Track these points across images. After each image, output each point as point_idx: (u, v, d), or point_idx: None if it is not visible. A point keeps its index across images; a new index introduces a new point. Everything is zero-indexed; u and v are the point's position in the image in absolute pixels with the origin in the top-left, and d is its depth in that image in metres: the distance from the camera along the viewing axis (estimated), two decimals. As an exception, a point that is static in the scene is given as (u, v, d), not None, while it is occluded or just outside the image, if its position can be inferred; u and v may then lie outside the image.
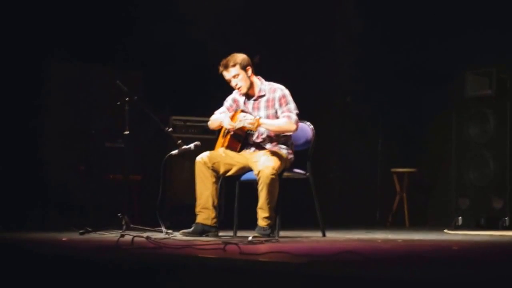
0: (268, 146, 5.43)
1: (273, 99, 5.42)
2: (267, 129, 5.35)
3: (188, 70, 7.91)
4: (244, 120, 5.20)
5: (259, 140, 5.45)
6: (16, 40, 7.11)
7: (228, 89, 5.60)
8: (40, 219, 6.78)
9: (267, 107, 5.44)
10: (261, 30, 8.19)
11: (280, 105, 5.38)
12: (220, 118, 5.51)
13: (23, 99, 7.12)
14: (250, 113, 5.40)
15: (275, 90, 5.44)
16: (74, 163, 7.37)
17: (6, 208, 6.75)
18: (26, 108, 7.13)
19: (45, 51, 7.21)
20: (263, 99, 5.46)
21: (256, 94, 5.49)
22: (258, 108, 5.46)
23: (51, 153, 7.36)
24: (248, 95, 5.53)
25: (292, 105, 5.37)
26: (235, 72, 5.42)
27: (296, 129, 5.34)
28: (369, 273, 2.59)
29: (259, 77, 5.54)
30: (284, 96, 5.40)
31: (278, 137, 5.45)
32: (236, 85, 5.46)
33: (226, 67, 5.42)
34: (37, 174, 7.16)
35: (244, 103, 5.54)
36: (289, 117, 5.31)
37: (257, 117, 5.19)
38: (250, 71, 5.46)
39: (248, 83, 5.45)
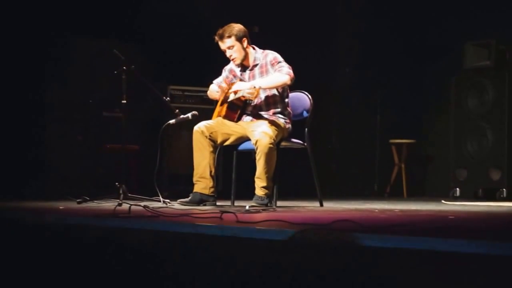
0: (266, 115, 5.42)
1: (266, 64, 5.40)
2: (265, 88, 5.32)
3: (186, 40, 7.87)
4: (243, 90, 5.20)
5: (257, 103, 5.41)
6: (17, 13, 7.09)
7: (226, 59, 5.58)
8: (38, 189, 6.78)
9: (261, 73, 5.41)
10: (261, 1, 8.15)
11: (272, 65, 5.36)
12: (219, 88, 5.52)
13: (22, 71, 7.10)
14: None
15: (267, 55, 5.43)
16: (72, 133, 7.37)
17: (4, 178, 6.75)
18: (25, 79, 7.11)
19: (46, 24, 7.18)
20: (257, 67, 5.44)
21: (251, 63, 5.46)
22: (254, 77, 5.44)
23: (49, 123, 7.36)
24: (244, 66, 5.50)
25: (284, 63, 5.33)
26: (230, 43, 5.39)
27: (291, 80, 5.25)
28: (364, 240, 2.59)
29: (253, 46, 5.51)
30: (275, 57, 5.38)
31: (276, 105, 5.43)
32: (230, 55, 5.43)
33: (222, 37, 5.39)
34: (35, 144, 7.17)
35: (241, 74, 5.51)
36: (280, 70, 5.29)
37: (257, 87, 5.19)
38: (246, 42, 5.42)
39: (242, 54, 5.42)
